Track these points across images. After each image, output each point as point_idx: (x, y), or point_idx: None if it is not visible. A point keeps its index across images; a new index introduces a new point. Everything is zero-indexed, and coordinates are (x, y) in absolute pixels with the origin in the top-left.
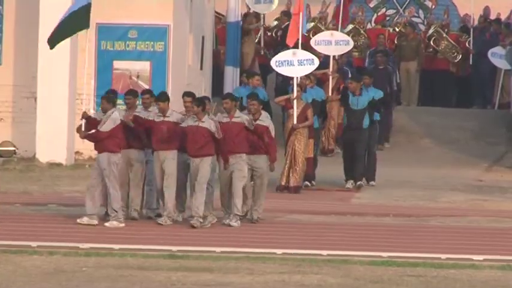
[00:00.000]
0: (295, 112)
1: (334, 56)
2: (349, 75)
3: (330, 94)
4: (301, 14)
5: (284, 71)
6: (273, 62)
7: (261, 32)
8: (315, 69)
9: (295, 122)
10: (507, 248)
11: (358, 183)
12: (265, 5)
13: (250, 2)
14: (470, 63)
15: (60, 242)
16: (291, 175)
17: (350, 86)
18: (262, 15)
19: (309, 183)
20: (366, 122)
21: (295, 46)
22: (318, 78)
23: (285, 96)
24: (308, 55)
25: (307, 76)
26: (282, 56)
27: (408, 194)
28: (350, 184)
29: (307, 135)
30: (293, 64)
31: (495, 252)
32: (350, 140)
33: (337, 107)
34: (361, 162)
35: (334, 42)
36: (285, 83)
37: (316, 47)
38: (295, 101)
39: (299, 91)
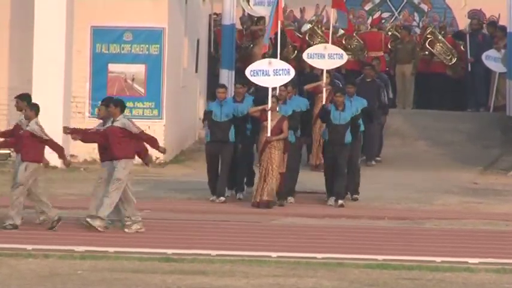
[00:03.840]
0: (269, 124)
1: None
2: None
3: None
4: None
5: (259, 80)
6: (248, 72)
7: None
8: (307, 84)
9: (269, 134)
10: (502, 251)
11: (340, 202)
12: (270, 7)
13: (246, 5)
14: (469, 69)
15: (55, 245)
16: (262, 190)
17: (339, 99)
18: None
19: (289, 200)
20: (348, 137)
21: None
22: (308, 92)
23: (259, 107)
24: (284, 65)
25: (285, 86)
26: (258, 65)
27: (403, 196)
28: (332, 201)
29: (281, 148)
30: (268, 74)
31: (490, 255)
32: (332, 156)
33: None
34: (344, 179)
35: (328, 56)
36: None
37: (308, 61)
38: (269, 113)
39: (274, 102)
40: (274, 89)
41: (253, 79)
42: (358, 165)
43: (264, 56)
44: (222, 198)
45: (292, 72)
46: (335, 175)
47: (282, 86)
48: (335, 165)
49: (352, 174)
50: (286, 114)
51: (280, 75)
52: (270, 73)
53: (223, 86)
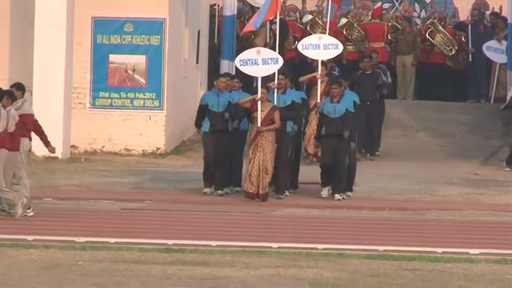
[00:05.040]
0: (259, 115)
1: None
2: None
3: (318, 100)
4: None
5: (248, 70)
6: (237, 61)
7: (267, 25)
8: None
9: (259, 125)
10: (503, 242)
11: (337, 196)
12: None
13: None
14: (470, 60)
15: (56, 236)
16: (256, 182)
17: (334, 91)
18: None
19: (286, 193)
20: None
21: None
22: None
23: (249, 98)
24: (273, 54)
25: (284, 75)
26: (246, 54)
27: (404, 187)
28: (326, 191)
29: (273, 139)
30: (257, 63)
31: (491, 245)
32: (330, 149)
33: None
34: (342, 173)
35: (323, 46)
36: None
37: (304, 52)
38: (259, 103)
39: (264, 93)
40: (268, 78)
41: (242, 68)
42: (354, 160)
43: (265, 47)
44: (220, 192)
45: (281, 61)
46: (334, 169)
47: (280, 75)
48: (333, 159)
49: (347, 170)
50: (285, 104)
51: (268, 64)
52: (259, 62)
53: (225, 76)
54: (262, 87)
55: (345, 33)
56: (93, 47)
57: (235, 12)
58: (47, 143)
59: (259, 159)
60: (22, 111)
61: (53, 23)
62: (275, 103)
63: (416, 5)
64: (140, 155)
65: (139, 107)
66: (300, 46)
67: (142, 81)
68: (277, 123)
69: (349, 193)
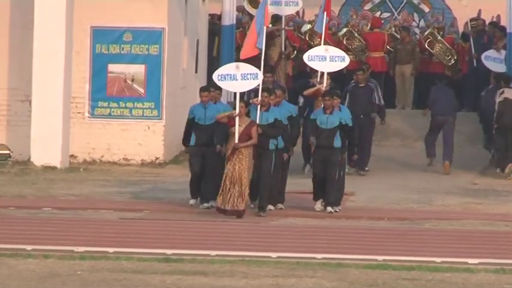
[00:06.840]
0: (237, 130)
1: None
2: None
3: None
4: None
5: (226, 85)
6: (215, 76)
7: (283, 35)
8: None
9: (236, 141)
10: (502, 252)
11: (329, 209)
12: (287, 7)
13: (246, 4)
14: (474, 64)
15: (55, 246)
16: (229, 198)
17: (327, 102)
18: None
19: (272, 207)
20: (337, 141)
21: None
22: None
23: (227, 113)
24: (252, 69)
25: (270, 92)
26: (225, 69)
27: (402, 197)
28: (319, 204)
29: (250, 155)
30: (236, 79)
31: (490, 255)
32: (320, 161)
33: None
34: (334, 185)
35: (329, 58)
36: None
37: (309, 63)
38: (237, 118)
39: (242, 107)
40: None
41: (220, 84)
42: (344, 173)
43: (280, 57)
44: (206, 205)
45: (261, 77)
46: (325, 182)
47: (265, 92)
48: (325, 171)
49: (339, 182)
50: (268, 122)
51: (248, 79)
52: (238, 77)
53: (207, 89)
54: (240, 101)
55: (345, 42)
56: (92, 56)
57: (234, 22)
58: None
59: (234, 176)
60: None
61: (52, 32)
62: (257, 120)
63: (415, 14)
64: (139, 164)
65: (138, 117)
66: (305, 57)
67: (141, 90)
68: (254, 138)
69: (340, 207)
